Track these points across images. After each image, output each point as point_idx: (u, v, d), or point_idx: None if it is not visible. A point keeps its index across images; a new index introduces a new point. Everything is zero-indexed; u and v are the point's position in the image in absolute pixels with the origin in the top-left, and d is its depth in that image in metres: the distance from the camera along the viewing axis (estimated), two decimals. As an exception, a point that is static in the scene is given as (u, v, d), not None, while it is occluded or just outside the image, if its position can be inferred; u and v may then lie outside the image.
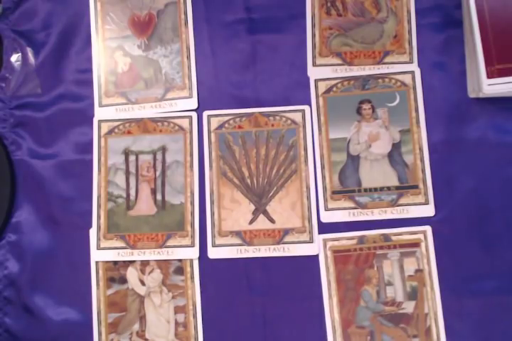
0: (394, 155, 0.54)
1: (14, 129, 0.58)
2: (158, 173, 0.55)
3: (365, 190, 0.53)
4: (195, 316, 0.53)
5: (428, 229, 0.52)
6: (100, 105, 0.57)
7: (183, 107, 0.56)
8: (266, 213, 0.54)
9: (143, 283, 0.54)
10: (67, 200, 0.56)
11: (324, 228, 0.53)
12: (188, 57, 0.57)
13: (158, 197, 0.55)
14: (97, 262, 0.55)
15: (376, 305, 0.52)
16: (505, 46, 0.50)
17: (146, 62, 0.57)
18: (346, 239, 0.53)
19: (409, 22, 0.56)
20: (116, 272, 0.54)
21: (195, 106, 0.56)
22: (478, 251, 0.52)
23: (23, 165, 0.57)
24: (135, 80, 0.57)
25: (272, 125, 0.55)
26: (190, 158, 0.55)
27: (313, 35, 0.56)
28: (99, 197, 0.55)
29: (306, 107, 0.55)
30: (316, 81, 0.55)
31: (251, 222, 0.54)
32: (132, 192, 0.55)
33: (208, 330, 0.53)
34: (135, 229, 0.55)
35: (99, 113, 0.57)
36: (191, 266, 0.54)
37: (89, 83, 0.58)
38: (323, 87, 0.55)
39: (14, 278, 0.56)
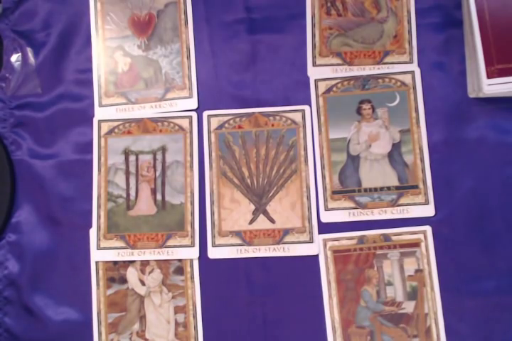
0: (394, 155, 0.54)
1: (14, 129, 0.58)
2: (158, 173, 0.55)
3: (365, 190, 0.53)
4: (195, 316, 0.53)
5: (428, 229, 0.52)
6: (100, 105, 0.57)
7: (183, 107, 0.56)
8: (266, 213, 0.54)
9: (143, 283, 0.54)
10: (67, 200, 0.56)
11: (324, 228, 0.53)
12: (188, 57, 0.57)
13: (158, 197, 0.55)
14: (97, 262, 0.55)
15: (376, 305, 0.52)
16: (505, 46, 0.50)
17: (146, 62, 0.57)
18: (346, 239, 0.53)
19: (409, 22, 0.56)
20: (116, 272, 0.54)
21: (195, 106, 0.56)
22: (478, 251, 0.52)
23: (23, 165, 0.57)
24: (135, 80, 0.57)
25: (272, 125, 0.55)
26: (190, 158, 0.55)
27: (313, 35, 0.56)
28: (99, 197, 0.55)
29: (306, 107, 0.55)
30: (316, 81, 0.55)
31: (251, 222, 0.54)
32: (132, 192, 0.55)
33: (207, 330, 0.53)
34: (135, 229, 0.55)
35: (99, 113, 0.57)
36: (191, 266, 0.54)
37: (89, 83, 0.58)
38: (323, 87, 0.55)
39: (14, 278, 0.56)
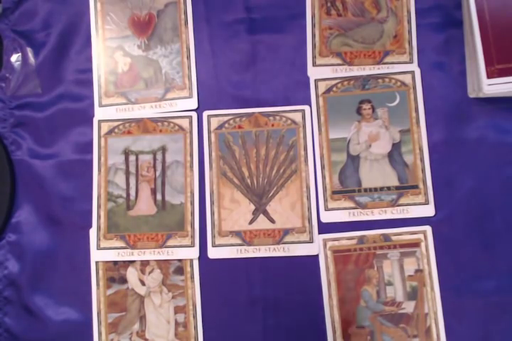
0: (394, 155, 0.54)
1: (14, 129, 0.58)
2: (158, 173, 0.55)
3: (365, 190, 0.53)
4: (195, 316, 0.53)
5: (428, 229, 0.52)
6: (100, 105, 0.57)
7: (183, 107, 0.56)
8: (266, 213, 0.54)
9: (143, 283, 0.54)
10: (68, 200, 0.56)
11: (324, 228, 0.53)
12: (188, 57, 0.57)
13: (158, 197, 0.55)
14: (97, 262, 0.55)
15: (376, 305, 0.52)
16: (505, 46, 0.50)
17: (146, 62, 0.57)
18: (346, 239, 0.53)
19: (409, 22, 0.56)
20: (116, 272, 0.54)
21: (195, 106, 0.56)
22: (478, 251, 0.52)
23: (23, 165, 0.57)
24: (135, 80, 0.57)
25: (272, 125, 0.55)
26: (190, 158, 0.55)
27: (313, 35, 0.56)
28: (99, 197, 0.55)
29: (306, 107, 0.55)
30: (316, 81, 0.55)
31: (251, 222, 0.54)
32: (132, 192, 0.55)
33: (207, 330, 0.53)
34: (135, 229, 0.55)
35: (99, 113, 0.57)
36: (191, 266, 0.54)
37: (89, 83, 0.58)
38: (323, 87, 0.55)
39: (14, 278, 0.56)
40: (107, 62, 0.58)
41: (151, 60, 0.57)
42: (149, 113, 0.56)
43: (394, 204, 0.53)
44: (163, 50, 0.57)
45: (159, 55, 0.57)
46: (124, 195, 0.55)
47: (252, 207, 0.54)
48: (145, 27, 0.58)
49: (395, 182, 0.53)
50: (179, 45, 0.57)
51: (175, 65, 0.57)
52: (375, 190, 0.53)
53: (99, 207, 0.55)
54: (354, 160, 0.54)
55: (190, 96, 0.56)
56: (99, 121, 0.57)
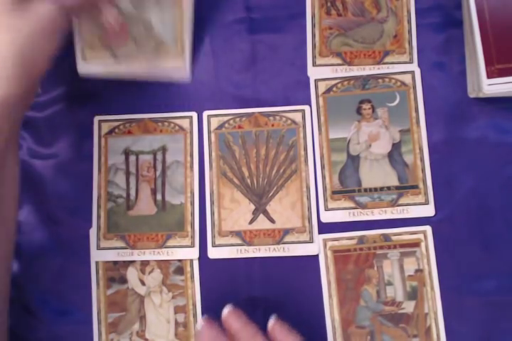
0: (394, 155, 0.54)
1: (14, 129, 0.58)
2: (158, 173, 0.55)
3: (365, 190, 0.53)
4: (195, 316, 0.53)
5: (428, 229, 0.52)
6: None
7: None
8: (266, 213, 0.54)
9: (143, 282, 0.54)
10: (68, 200, 0.56)
11: (324, 228, 0.53)
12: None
13: (158, 197, 0.55)
14: (97, 262, 0.55)
15: (376, 305, 0.52)
16: (505, 46, 0.50)
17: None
18: (346, 239, 0.53)
19: (409, 22, 0.56)
20: (116, 272, 0.54)
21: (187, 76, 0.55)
22: (478, 251, 0.52)
23: (23, 165, 0.57)
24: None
25: (272, 125, 0.55)
26: (190, 158, 0.55)
27: (313, 35, 0.56)
28: (99, 197, 0.55)
29: (306, 107, 0.55)
30: (316, 81, 0.55)
31: (251, 222, 0.54)
32: (132, 192, 0.55)
33: (208, 330, 0.53)
34: (135, 229, 0.55)
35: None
36: (191, 266, 0.54)
37: (90, 83, 0.57)
38: (323, 87, 0.55)
39: (14, 278, 0.55)
40: (107, 62, 0.58)
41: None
42: (150, 114, 0.56)
43: (394, 204, 0.53)
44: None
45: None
46: (124, 195, 0.55)
47: (252, 207, 0.54)
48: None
49: (395, 182, 0.53)
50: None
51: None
52: (375, 190, 0.53)
53: (99, 207, 0.55)
54: (354, 160, 0.54)
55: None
56: (100, 121, 0.57)
